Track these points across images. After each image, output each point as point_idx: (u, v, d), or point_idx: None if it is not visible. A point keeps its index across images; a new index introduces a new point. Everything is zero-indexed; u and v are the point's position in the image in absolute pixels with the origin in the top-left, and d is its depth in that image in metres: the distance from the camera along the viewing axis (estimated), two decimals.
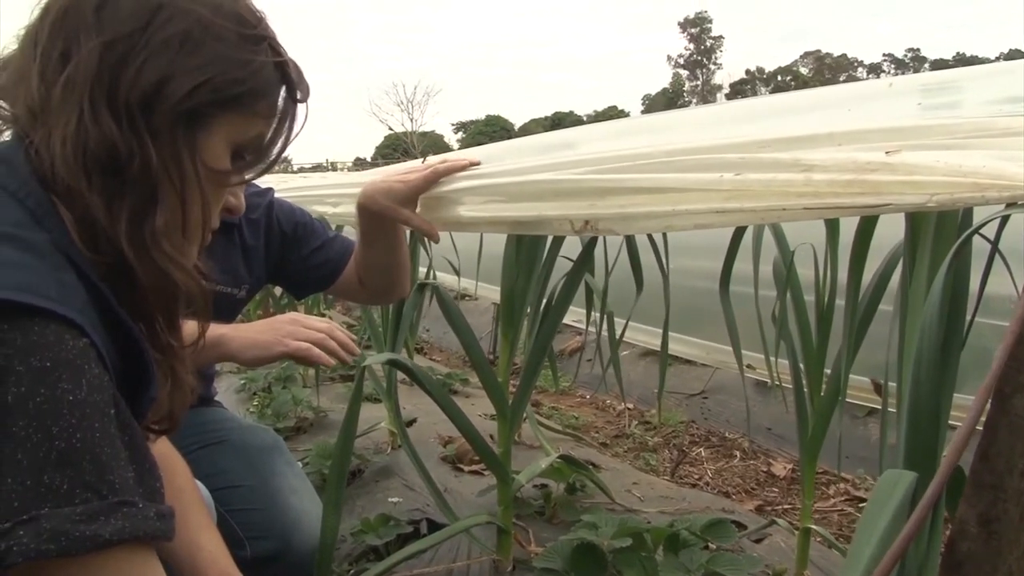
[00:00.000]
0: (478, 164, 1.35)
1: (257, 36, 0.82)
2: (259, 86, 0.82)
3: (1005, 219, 0.80)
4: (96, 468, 0.66)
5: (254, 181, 1.37)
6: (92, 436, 0.65)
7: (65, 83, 0.73)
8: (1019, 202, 0.70)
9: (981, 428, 0.79)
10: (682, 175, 0.87)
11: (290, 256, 1.64)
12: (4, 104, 0.77)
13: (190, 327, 0.89)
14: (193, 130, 0.78)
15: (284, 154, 0.90)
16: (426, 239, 3.38)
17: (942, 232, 0.83)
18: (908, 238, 0.91)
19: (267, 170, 0.90)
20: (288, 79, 0.85)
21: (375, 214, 1.44)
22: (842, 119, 0.86)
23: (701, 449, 3.18)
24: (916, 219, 0.89)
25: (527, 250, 1.70)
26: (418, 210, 1.41)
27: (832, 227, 1.50)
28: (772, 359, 1.84)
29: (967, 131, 0.74)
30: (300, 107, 0.88)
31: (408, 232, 1.56)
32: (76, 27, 0.74)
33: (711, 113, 1.40)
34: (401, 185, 1.38)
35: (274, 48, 0.83)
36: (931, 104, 0.84)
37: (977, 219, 0.82)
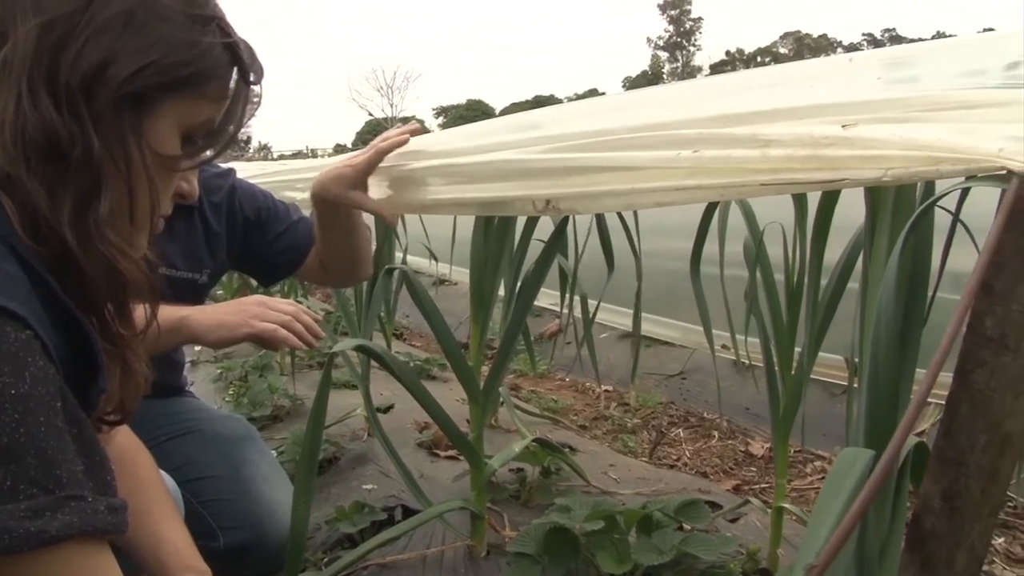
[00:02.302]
0: (419, 132, 1.37)
1: (205, 16, 0.79)
2: (207, 68, 0.79)
3: (965, 192, 0.79)
4: (41, 463, 0.64)
5: (214, 162, 1.36)
6: (37, 430, 0.64)
7: (2, 66, 0.70)
8: (978, 175, 0.69)
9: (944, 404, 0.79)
10: (641, 153, 0.86)
11: (254, 240, 1.62)
12: None
13: (143, 313, 0.87)
14: (139, 114, 0.75)
15: (238, 137, 0.88)
16: (402, 224, 3.36)
17: (900, 207, 0.83)
18: (868, 214, 0.90)
19: (219, 155, 0.87)
20: (239, 60, 0.82)
21: (329, 202, 1.44)
22: (803, 94, 0.85)
23: (680, 430, 3.19)
24: (876, 194, 0.88)
25: (496, 233, 1.69)
26: (374, 191, 1.41)
27: (800, 205, 1.49)
28: (742, 338, 1.84)
29: (924, 104, 0.73)
30: (255, 89, 0.86)
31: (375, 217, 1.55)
32: (12, 6, 0.71)
33: (678, 91, 1.38)
34: (349, 170, 1.38)
35: (223, 29, 0.81)
36: (892, 78, 0.83)
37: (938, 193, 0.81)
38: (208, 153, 0.85)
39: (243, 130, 0.88)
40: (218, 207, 1.58)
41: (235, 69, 0.83)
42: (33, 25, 0.71)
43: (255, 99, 0.87)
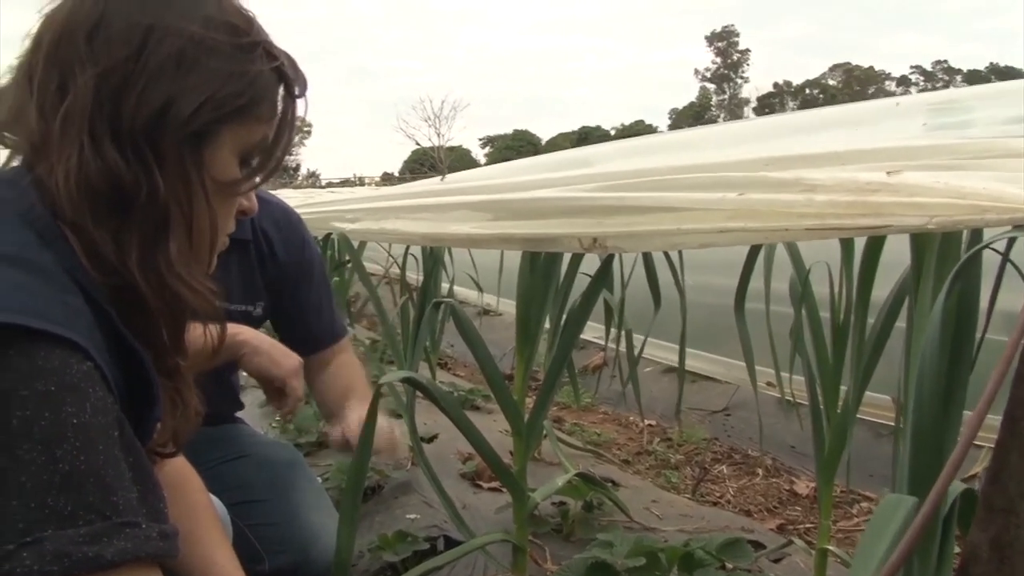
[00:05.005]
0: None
1: (251, 43, 0.80)
2: (259, 93, 0.81)
3: (1012, 240, 0.79)
4: (100, 490, 0.66)
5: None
6: (96, 458, 0.66)
7: (64, 118, 0.73)
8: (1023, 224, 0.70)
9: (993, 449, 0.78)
10: (687, 194, 0.88)
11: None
12: (7, 134, 0.77)
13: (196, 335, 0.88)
14: (200, 149, 0.78)
15: (289, 152, 0.89)
16: (448, 256, 3.39)
17: (946, 252, 0.83)
18: (914, 258, 0.90)
19: (276, 170, 0.89)
20: (285, 79, 0.84)
21: None
22: (848, 139, 0.86)
23: (723, 467, 3.15)
24: (920, 240, 0.88)
25: (543, 267, 1.70)
26: (421, 225, 1.45)
27: (847, 245, 1.49)
28: (787, 376, 1.83)
29: (970, 152, 0.73)
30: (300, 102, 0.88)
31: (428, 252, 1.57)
32: (70, 59, 0.74)
33: (724, 132, 1.40)
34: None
35: (269, 52, 0.82)
36: (937, 124, 0.84)
37: (985, 239, 0.81)
38: (267, 169, 0.87)
39: (292, 157, 0.89)
40: (288, 242, 1.63)
41: (282, 87, 0.84)
42: (91, 75, 0.73)
43: (301, 111, 0.89)
